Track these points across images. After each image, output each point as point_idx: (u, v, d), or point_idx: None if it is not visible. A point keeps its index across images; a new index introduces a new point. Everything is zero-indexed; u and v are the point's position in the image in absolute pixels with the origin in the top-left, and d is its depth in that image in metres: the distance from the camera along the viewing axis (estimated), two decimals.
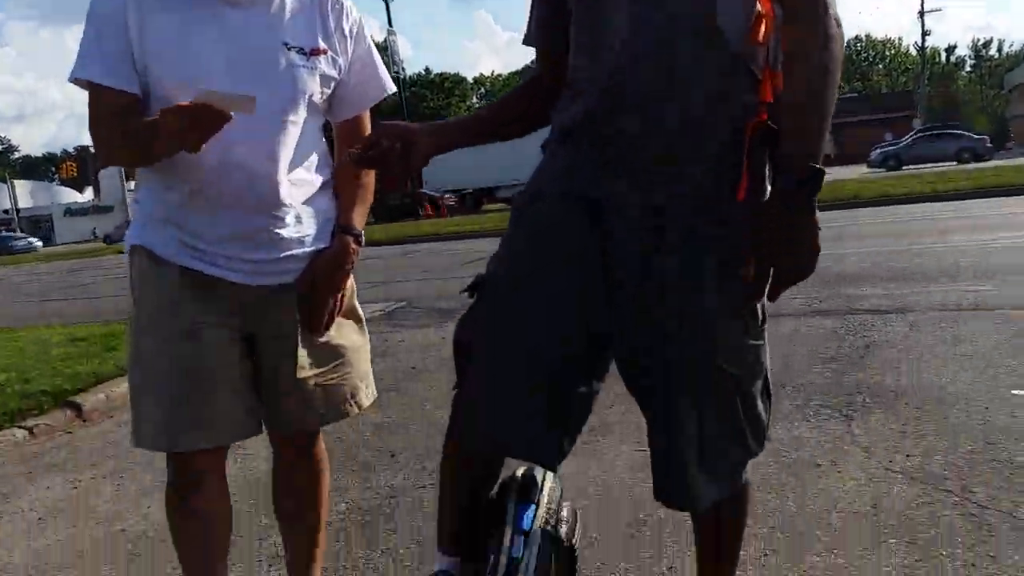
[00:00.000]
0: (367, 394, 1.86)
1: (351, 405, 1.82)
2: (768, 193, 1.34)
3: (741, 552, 1.78)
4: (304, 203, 1.70)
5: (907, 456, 2.77)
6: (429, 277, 10.12)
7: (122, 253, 1.86)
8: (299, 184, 1.69)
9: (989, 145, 32.06)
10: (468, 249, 14.67)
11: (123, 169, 22.17)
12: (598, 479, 2.82)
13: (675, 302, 1.38)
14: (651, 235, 1.37)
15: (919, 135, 33.85)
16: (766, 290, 1.32)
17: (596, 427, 3.39)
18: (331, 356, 1.78)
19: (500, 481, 1.62)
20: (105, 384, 4.69)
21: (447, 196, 31.42)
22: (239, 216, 1.63)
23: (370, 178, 1.82)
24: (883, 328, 4.74)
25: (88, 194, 76.76)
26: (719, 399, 1.40)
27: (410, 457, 3.25)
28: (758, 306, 1.42)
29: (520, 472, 1.61)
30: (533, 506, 1.50)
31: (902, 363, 3.95)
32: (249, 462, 3.38)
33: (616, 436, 3.27)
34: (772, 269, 1.30)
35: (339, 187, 1.80)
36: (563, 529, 1.51)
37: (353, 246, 1.76)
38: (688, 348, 1.38)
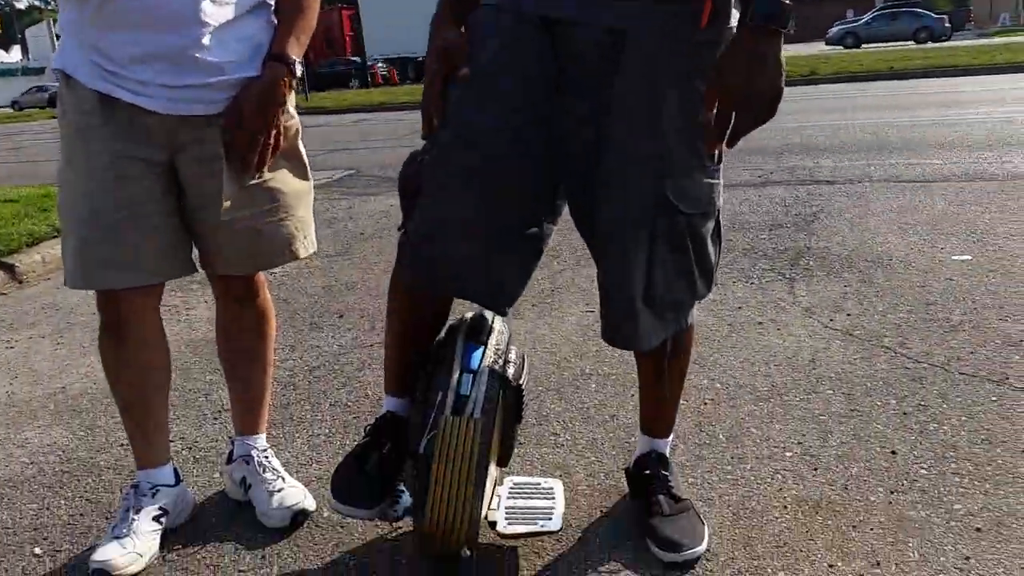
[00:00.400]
0: (304, 244, 1.76)
1: (286, 254, 1.73)
2: (733, 26, 1.29)
3: (682, 402, 1.81)
4: (229, 24, 1.55)
5: (847, 316, 2.83)
6: (379, 145, 9.88)
7: (55, 118, 1.73)
8: (223, 2, 1.54)
9: (947, 26, 31.84)
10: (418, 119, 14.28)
11: (52, 27, 20.80)
12: (547, 338, 2.84)
13: (631, 130, 1.33)
14: (610, 60, 1.31)
15: (879, 12, 33.44)
16: (727, 133, 1.28)
17: (547, 290, 3.40)
18: (264, 199, 1.67)
19: (449, 324, 1.61)
20: (40, 245, 4.52)
21: (377, 65, 30.39)
22: (151, 34, 1.49)
23: (314, 1, 1.68)
24: (832, 198, 4.78)
25: (15, 54, 72.42)
26: (670, 237, 1.39)
27: (358, 318, 3.23)
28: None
29: (469, 315, 1.59)
30: (482, 347, 1.50)
31: (848, 230, 4.00)
32: (194, 321, 3.33)
33: (567, 298, 3.29)
34: (734, 112, 1.25)
35: (279, 9, 1.64)
36: (511, 370, 1.51)
37: (285, 77, 1.60)
38: (642, 181, 1.35)
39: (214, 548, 1.72)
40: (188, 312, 3.46)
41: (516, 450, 1.95)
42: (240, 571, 1.64)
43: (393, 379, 1.63)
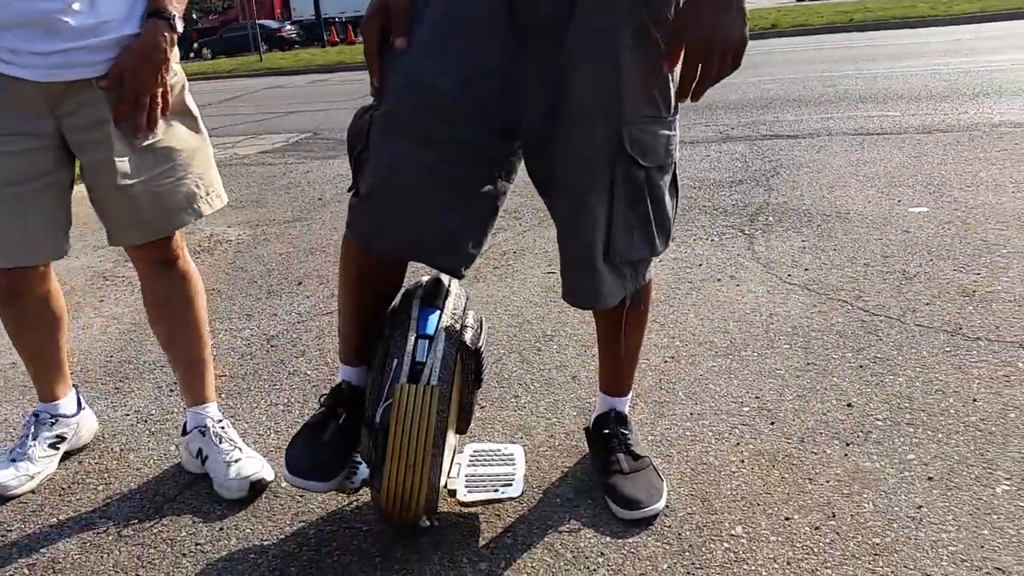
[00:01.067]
0: (208, 201, 1.72)
1: (189, 212, 1.69)
2: None
3: (642, 360, 1.81)
4: None
5: (805, 270, 2.85)
6: (336, 107, 9.70)
7: None
8: None
9: None
10: None
11: None
12: (508, 300, 2.82)
13: (586, 79, 1.30)
14: (563, 7, 1.28)
15: None
16: (691, 87, 1.27)
17: (509, 252, 3.38)
18: (160, 160, 1.62)
19: (404, 289, 1.57)
20: None
21: (287, 28, 29.82)
22: (17, 0, 1.42)
23: None
24: (790, 152, 4.79)
25: None
26: (629, 192, 1.37)
27: (317, 284, 3.18)
28: (671, 94, 1.36)
29: (425, 279, 1.56)
30: (438, 311, 1.47)
31: (807, 185, 4.01)
32: None
33: (528, 260, 3.27)
34: (700, 64, 1.24)
35: None
36: (468, 334, 1.49)
37: (165, 33, 1.54)
38: (598, 131, 1.33)
39: (171, 522, 1.69)
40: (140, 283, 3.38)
41: (477, 413, 1.94)
42: (197, 544, 1.61)
43: (348, 348, 1.59)
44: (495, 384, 2.19)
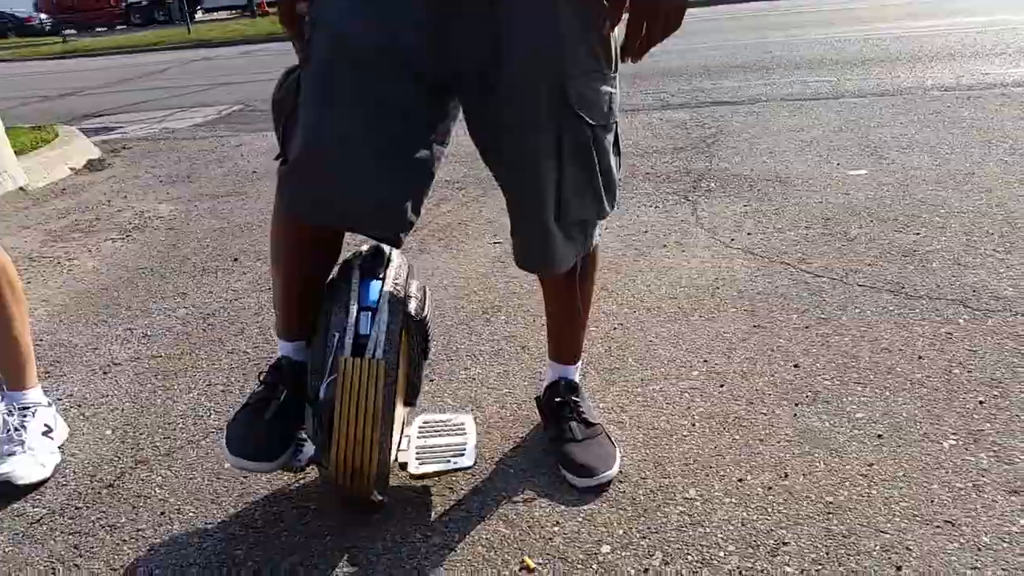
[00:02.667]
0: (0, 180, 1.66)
1: None
2: None
3: (591, 328, 1.79)
4: None
5: (748, 234, 2.86)
6: (270, 78, 9.42)
7: None
8: None
9: None
10: None
11: None
12: (454, 271, 2.78)
13: (527, 32, 1.25)
14: None
15: None
16: (635, 46, 1.24)
17: (453, 223, 3.32)
18: None
19: (342, 259, 1.51)
20: None
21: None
22: None
23: None
24: (731, 118, 4.81)
25: None
26: (576, 151, 1.33)
27: (254, 260, 3.08)
28: (613, 51, 1.33)
29: (364, 248, 1.50)
30: (379, 281, 1.42)
31: (747, 150, 4.03)
32: (77, 272, 3.12)
33: (473, 231, 3.22)
34: (644, 23, 1.21)
35: None
36: (412, 304, 1.44)
37: None
38: (542, 85, 1.28)
39: (110, 508, 1.62)
40: (70, 263, 3.24)
41: (426, 386, 1.90)
42: (139, 530, 1.55)
43: (285, 322, 1.53)
44: (443, 356, 2.14)
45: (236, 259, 3.11)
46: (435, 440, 1.64)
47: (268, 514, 1.56)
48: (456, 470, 1.57)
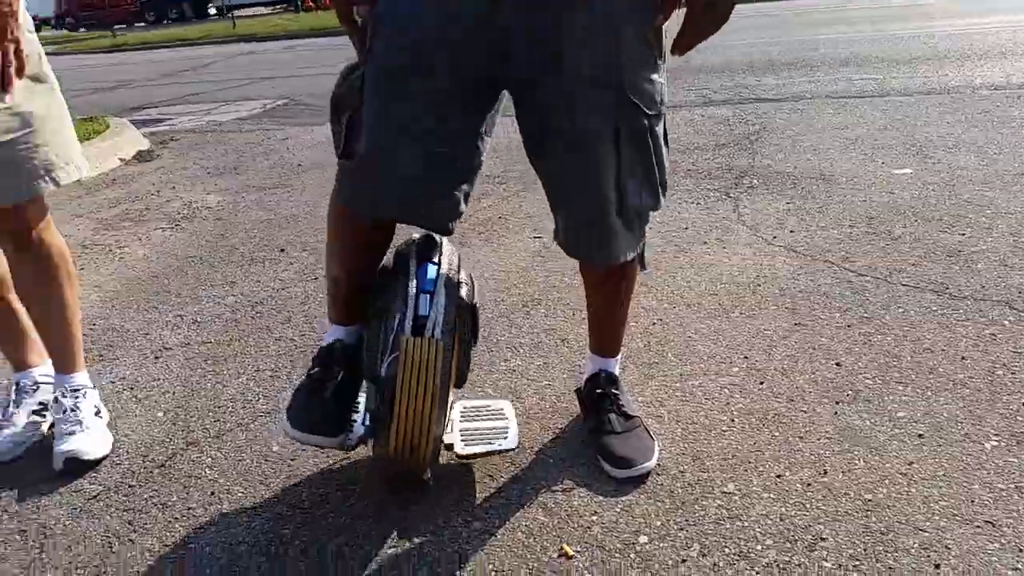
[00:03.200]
0: (67, 170, 1.70)
1: (46, 181, 1.67)
2: None
3: (631, 323, 1.81)
4: None
5: (791, 232, 2.85)
6: (314, 73, 9.55)
7: None
8: None
9: None
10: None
11: None
12: (495, 265, 2.81)
13: (584, 19, 1.28)
14: None
15: None
16: (687, 40, 1.29)
17: (494, 217, 3.36)
18: (16, 126, 1.60)
19: (395, 247, 1.56)
20: None
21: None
22: None
23: None
24: (774, 115, 4.78)
25: None
26: (634, 140, 1.36)
27: (299, 250, 3.15)
28: (662, 41, 1.37)
29: (416, 236, 1.55)
30: (435, 266, 1.46)
31: (791, 148, 4.01)
32: (128, 259, 3.21)
33: (513, 225, 3.25)
34: (696, 16, 1.26)
35: None
36: (464, 290, 1.48)
37: None
38: (603, 78, 1.30)
39: (162, 487, 1.68)
40: (121, 250, 3.33)
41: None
42: (189, 508, 1.60)
43: (339, 308, 1.59)
44: (484, 348, 2.18)
45: (283, 249, 3.18)
46: (477, 424, 1.68)
47: (314, 495, 1.61)
48: (501, 451, 1.62)
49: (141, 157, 5.25)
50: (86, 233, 3.61)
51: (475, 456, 1.61)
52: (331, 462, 1.71)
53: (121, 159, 5.17)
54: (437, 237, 1.54)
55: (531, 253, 2.88)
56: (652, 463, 1.59)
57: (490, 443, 1.61)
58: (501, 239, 3.07)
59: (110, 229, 3.66)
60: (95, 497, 1.67)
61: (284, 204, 3.85)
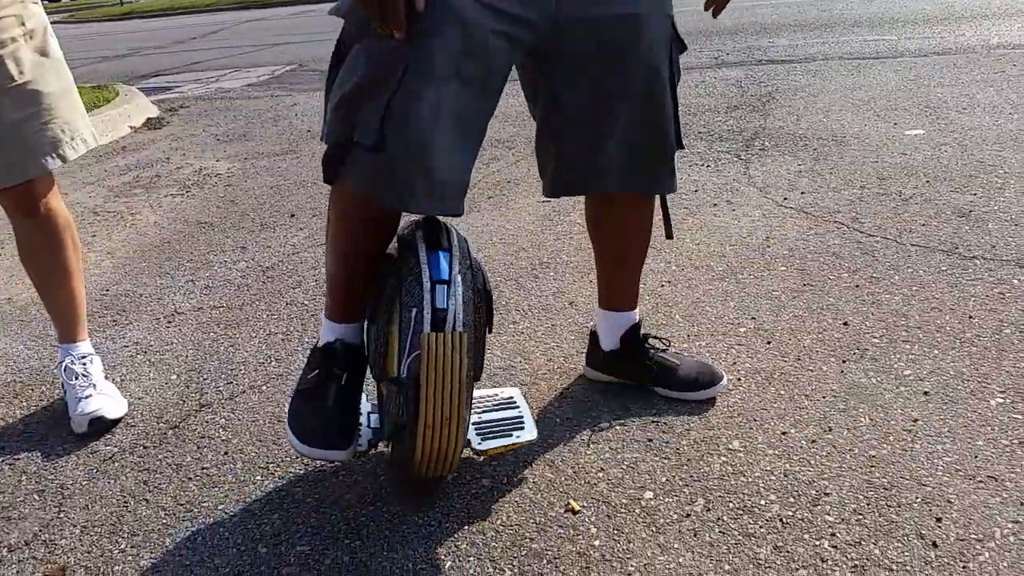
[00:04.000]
0: (74, 145, 1.71)
1: (53, 158, 1.68)
2: None
3: (640, 285, 1.81)
4: None
5: (801, 194, 2.84)
6: (323, 38, 9.50)
7: None
8: None
9: None
10: None
11: None
12: (504, 229, 2.81)
13: None
14: None
15: None
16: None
17: (502, 182, 3.35)
18: (24, 103, 1.61)
19: (398, 235, 1.46)
20: None
21: None
22: None
23: None
24: (786, 77, 4.73)
25: None
26: (673, 78, 1.47)
27: (309, 216, 3.16)
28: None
29: (417, 219, 1.44)
30: (448, 254, 1.35)
31: (803, 109, 3.97)
32: (140, 226, 3.24)
33: (522, 190, 3.24)
34: None
35: None
36: (479, 276, 1.41)
37: None
38: (657, 25, 1.40)
39: (175, 448, 1.71)
40: (133, 217, 3.35)
41: None
42: (203, 468, 1.63)
43: (340, 304, 1.47)
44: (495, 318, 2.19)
45: (293, 215, 3.19)
46: (490, 415, 1.61)
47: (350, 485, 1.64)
48: (521, 443, 1.53)
49: (151, 124, 5.26)
50: (97, 200, 3.63)
51: (494, 451, 1.53)
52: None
53: (131, 127, 5.18)
54: (442, 220, 1.44)
55: (540, 217, 2.88)
56: (725, 380, 1.71)
57: (508, 435, 1.53)
58: (509, 203, 3.07)
59: (121, 196, 3.68)
60: (111, 458, 1.70)
61: (293, 170, 3.86)
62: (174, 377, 2.01)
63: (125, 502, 1.56)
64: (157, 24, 16.47)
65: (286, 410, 1.79)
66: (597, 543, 1.34)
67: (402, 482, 1.52)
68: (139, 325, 2.33)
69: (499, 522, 1.41)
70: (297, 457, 1.64)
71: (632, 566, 1.28)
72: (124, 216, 3.38)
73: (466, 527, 1.41)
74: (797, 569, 1.24)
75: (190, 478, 1.61)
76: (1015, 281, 2.06)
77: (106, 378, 1.92)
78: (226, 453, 1.68)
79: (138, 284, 2.64)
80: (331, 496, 1.51)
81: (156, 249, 2.95)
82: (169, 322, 2.33)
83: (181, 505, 1.54)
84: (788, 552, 1.28)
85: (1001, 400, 1.59)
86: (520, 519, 1.41)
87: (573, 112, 1.44)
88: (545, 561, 1.31)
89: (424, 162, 1.23)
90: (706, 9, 1.50)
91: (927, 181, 2.82)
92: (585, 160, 1.48)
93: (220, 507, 1.52)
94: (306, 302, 2.38)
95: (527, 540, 1.36)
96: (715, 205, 2.82)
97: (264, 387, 1.92)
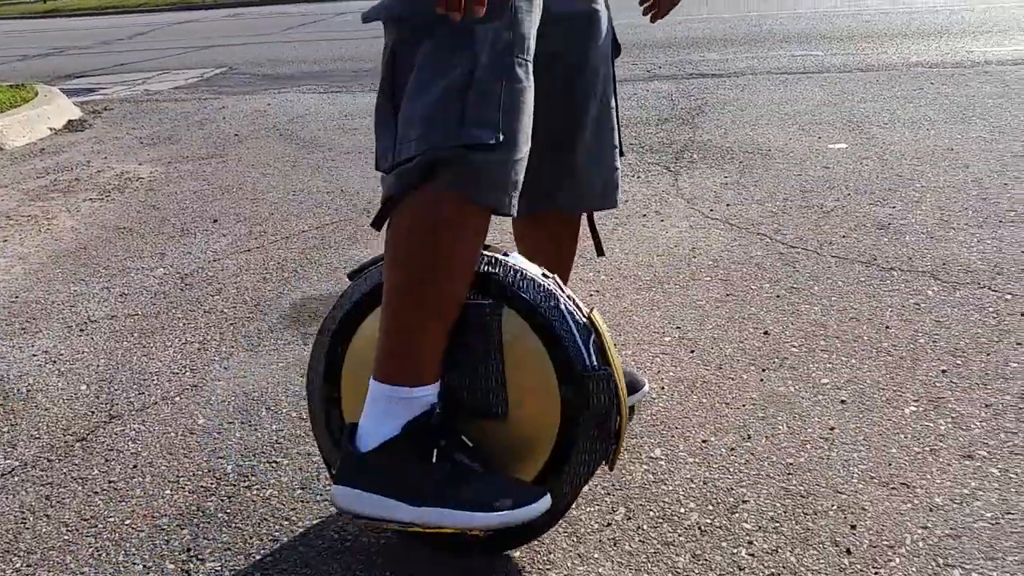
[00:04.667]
0: None
1: None
2: None
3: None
4: None
5: (727, 206, 2.88)
6: (256, 41, 9.33)
7: None
8: None
9: None
10: (300, 12, 13.58)
11: None
12: None
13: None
14: None
15: None
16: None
17: None
18: None
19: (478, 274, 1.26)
20: None
21: None
22: None
23: None
24: (716, 91, 4.81)
25: None
26: (616, 92, 1.49)
27: (233, 222, 3.08)
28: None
29: (504, 257, 1.27)
30: (563, 293, 1.26)
31: (731, 123, 4.04)
32: (56, 231, 3.11)
33: None
34: None
35: None
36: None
37: None
38: (605, 56, 1.42)
39: (82, 461, 1.63)
40: (49, 222, 3.22)
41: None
42: (111, 482, 1.57)
43: (433, 359, 1.18)
44: None
45: (216, 220, 3.10)
46: None
47: (240, 468, 1.58)
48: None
49: (72, 127, 5.07)
50: (11, 204, 3.48)
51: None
52: (257, 436, 1.68)
53: (51, 128, 4.99)
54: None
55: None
56: (647, 385, 1.72)
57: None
58: None
59: (37, 200, 3.53)
60: (10, 472, 1.62)
61: (219, 174, 3.76)
62: (84, 387, 1.93)
63: (24, 518, 1.48)
64: (83, 23, 15.96)
65: (198, 418, 1.73)
66: (517, 554, 1.32)
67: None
68: (49, 333, 2.23)
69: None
70: (209, 471, 1.58)
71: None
72: (39, 220, 3.24)
73: (381, 543, 1.37)
74: None
75: (96, 492, 1.54)
76: (930, 292, 2.12)
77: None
78: (135, 466, 1.61)
79: (50, 291, 2.53)
80: (243, 511, 1.46)
81: (71, 255, 2.84)
82: (81, 330, 2.23)
83: (85, 520, 1.47)
84: (706, 560, 1.28)
85: (915, 408, 1.63)
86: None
87: (548, 124, 1.38)
88: (465, 574, 1.28)
89: (523, 161, 1.15)
90: (645, 14, 1.52)
91: (848, 194, 2.89)
92: (547, 174, 1.44)
93: (127, 522, 1.45)
94: (225, 310, 2.31)
95: (447, 555, 1.33)
96: (644, 216, 2.84)
97: (177, 398, 1.85)
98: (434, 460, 1.17)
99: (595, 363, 1.19)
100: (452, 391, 1.22)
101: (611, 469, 1.31)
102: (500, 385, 1.21)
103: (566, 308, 1.21)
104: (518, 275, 1.23)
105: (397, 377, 1.16)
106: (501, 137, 1.10)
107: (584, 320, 1.22)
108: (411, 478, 1.16)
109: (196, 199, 3.40)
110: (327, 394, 1.31)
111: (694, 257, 2.45)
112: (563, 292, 1.24)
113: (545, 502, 1.15)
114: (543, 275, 1.26)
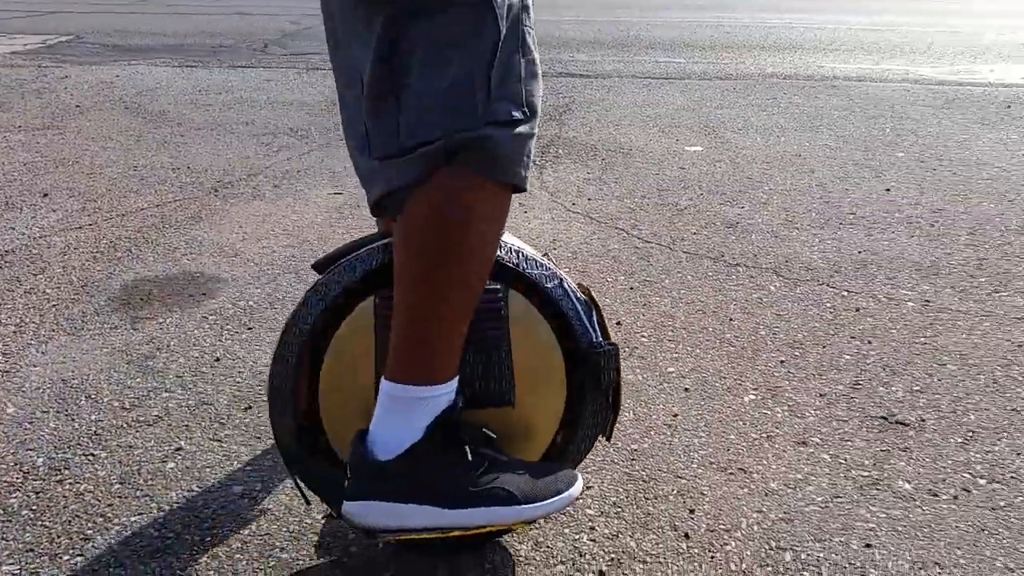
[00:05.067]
0: None
1: None
2: None
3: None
4: None
5: (588, 200, 2.90)
6: (108, 10, 8.75)
7: None
8: None
9: None
10: None
11: None
12: (287, 219, 2.67)
13: None
14: None
15: None
16: None
17: (292, 171, 3.19)
18: None
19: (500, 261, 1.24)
20: None
21: None
22: None
23: None
24: (583, 90, 4.88)
25: None
26: None
27: (66, 197, 2.84)
28: None
29: (519, 245, 1.23)
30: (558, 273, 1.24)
31: (596, 122, 4.10)
32: None
33: (311, 180, 3.10)
34: None
35: None
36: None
37: None
38: None
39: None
40: None
41: (245, 335, 1.81)
42: None
43: (456, 357, 1.10)
44: (266, 304, 2.05)
45: (46, 195, 2.86)
46: None
47: (51, 462, 1.44)
48: None
49: None
50: None
51: None
52: (74, 427, 1.54)
53: None
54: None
55: (327, 210, 2.76)
56: None
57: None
58: (296, 193, 2.92)
59: None
60: None
61: (54, 146, 3.48)
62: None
63: None
64: None
65: (8, 407, 1.56)
66: (354, 549, 1.25)
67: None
68: None
69: (247, 532, 1.29)
70: (16, 464, 1.43)
71: (389, 571, 1.21)
72: None
73: (206, 540, 1.28)
74: (555, 564, 1.22)
75: None
76: (771, 287, 2.20)
77: None
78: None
79: None
80: (51, 508, 1.33)
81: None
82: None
83: None
84: (548, 548, 1.26)
85: (754, 396, 1.68)
86: (271, 528, 1.30)
87: None
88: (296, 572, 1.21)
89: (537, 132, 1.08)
90: None
91: (701, 194, 2.98)
92: None
93: None
94: (48, 291, 2.11)
95: (276, 550, 1.25)
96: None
97: None
98: (469, 458, 1.09)
99: (600, 339, 1.20)
100: (464, 382, 1.15)
101: (608, 440, 1.29)
102: (509, 371, 1.18)
103: (568, 287, 1.20)
104: (520, 255, 1.19)
105: (416, 376, 1.06)
106: (527, 111, 1.03)
107: (584, 297, 1.21)
108: (444, 481, 1.08)
109: (26, 171, 3.12)
110: (305, 399, 1.18)
111: (554, 249, 2.45)
112: (561, 270, 1.23)
113: (580, 483, 1.15)
114: (544, 255, 1.24)
